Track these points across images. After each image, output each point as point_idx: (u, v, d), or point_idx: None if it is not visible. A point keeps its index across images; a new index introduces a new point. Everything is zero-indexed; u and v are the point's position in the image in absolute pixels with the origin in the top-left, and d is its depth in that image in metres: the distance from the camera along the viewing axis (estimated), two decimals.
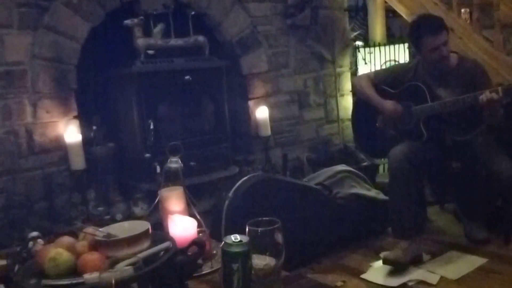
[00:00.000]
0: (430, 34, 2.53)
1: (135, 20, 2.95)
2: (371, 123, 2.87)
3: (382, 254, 2.50)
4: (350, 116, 3.48)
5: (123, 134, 3.17)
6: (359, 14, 4.80)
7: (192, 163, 2.99)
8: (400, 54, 4.22)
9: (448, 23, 2.64)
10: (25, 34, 2.72)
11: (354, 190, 2.91)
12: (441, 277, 2.31)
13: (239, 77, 3.60)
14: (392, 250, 2.46)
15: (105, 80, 3.22)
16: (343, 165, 3.13)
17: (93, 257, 1.21)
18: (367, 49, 4.22)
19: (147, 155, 2.93)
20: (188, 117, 3.28)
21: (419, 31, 2.59)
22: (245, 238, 1.07)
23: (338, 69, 4.06)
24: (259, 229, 1.09)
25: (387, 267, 2.40)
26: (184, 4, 3.26)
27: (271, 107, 3.61)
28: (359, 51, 4.24)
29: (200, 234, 1.61)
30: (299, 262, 2.51)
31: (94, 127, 3.02)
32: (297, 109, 3.88)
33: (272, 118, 3.58)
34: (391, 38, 4.60)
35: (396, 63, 4.11)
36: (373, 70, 3.83)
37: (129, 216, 2.80)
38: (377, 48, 4.19)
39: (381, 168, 3.90)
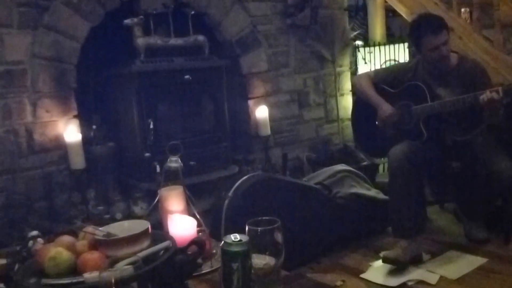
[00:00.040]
0: (431, 34, 2.52)
1: (135, 20, 2.95)
2: (371, 123, 2.87)
3: (382, 254, 2.50)
4: (350, 116, 3.48)
5: (123, 134, 3.17)
6: (359, 13, 4.81)
7: (192, 163, 2.99)
8: (400, 53, 4.22)
9: (448, 23, 2.64)
10: (25, 33, 2.72)
11: (354, 190, 2.91)
12: (441, 277, 2.31)
13: (239, 76, 3.60)
14: (392, 250, 2.46)
15: (105, 79, 3.22)
16: (343, 164, 3.13)
17: (93, 256, 1.21)
18: (367, 49, 4.22)
19: (147, 154, 2.93)
20: (188, 117, 3.28)
21: (419, 31, 2.59)
22: (244, 238, 1.07)
23: (338, 69, 4.06)
24: (259, 229, 1.09)
25: (387, 267, 2.40)
26: (184, 3, 3.26)
27: (271, 107, 3.61)
28: (359, 50, 4.24)
29: (200, 234, 1.61)
30: (298, 262, 2.51)
31: (94, 127, 3.02)
32: (297, 108, 3.88)
33: (272, 118, 3.58)
34: (391, 38, 4.61)
35: (396, 62, 4.11)
36: (373, 69, 3.83)
37: (129, 215, 2.81)
38: (377, 48, 4.19)
39: (381, 167, 3.90)
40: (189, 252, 1.31)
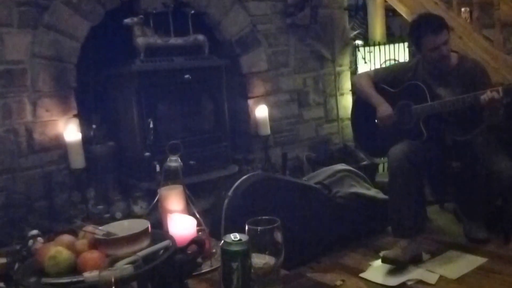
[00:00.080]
0: (431, 34, 2.52)
1: (135, 19, 2.95)
2: (371, 122, 2.87)
3: (381, 253, 2.49)
4: (349, 115, 3.48)
5: (123, 133, 3.17)
6: (359, 13, 4.80)
7: (191, 162, 2.99)
8: (400, 53, 4.22)
9: (448, 22, 2.64)
10: (25, 33, 2.72)
11: (353, 189, 2.91)
12: (441, 277, 2.31)
13: (238, 76, 3.60)
14: (392, 249, 2.46)
15: (105, 79, 3.22)
16: (343, 164, 3.13)
17: (93, 256, 1.21)
18: (367, 48, 4.21)
19: (147, 154, 2.93)
20: (187, 116, 3.28)
21: (419, 31, 2.58)
22: (244, 237, 1.07)
23: (337, 68, 4.06)
24: (259, 228, 1.09)
25: (387, 266, 2.40)
26: (184, 3, 3.26)
27: (270, 106, 3.61)
28: (359, 50, 4.24)
29: (200, 233, 1.61)
30: (298, 261, 2.51)
31: (94, 126, 3.02)
32: (296, 108, 3.88)
33: (271, 117, 3.58)
34: (391, 37, 4.60)
35: (396, 62, 4.11)
36: (372, 69, 3.83)
37: (129, 214, 2.81)
38: (377, 47, 4.19)
39: (380, 167, 3.90)
40: (189, 252, 1.31)
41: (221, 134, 3.33)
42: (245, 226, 1.11)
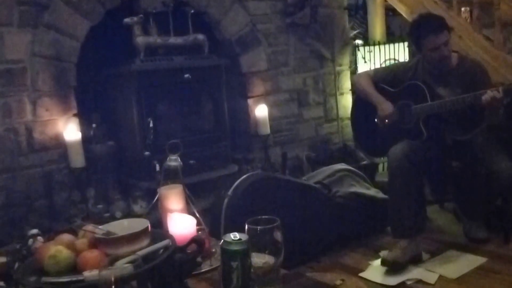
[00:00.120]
0: (431, 34, 2.52)
1: (135, 19, 2.95)
2: (371, 122, 2.87)
3: (381, 254, 2.49)
4: (349, 115, 3.48)
5: (123, 132, 3.17)
6: (359, 12, 4.80)
7: (191, 162, 2.99)
8: (400, 53, 4.22)
9: (448, 22, 2.63)
10: (25, 32, 2.72)
11: (353, 189, 2.91)
12: (440, 276, 2.31)
13: (238, 75, 3.60)
14: (391, 249, 2.46)
15: (105, 78, 3.22)
16: (343, 164, 3.13)
17: (92, 255, 1.21)
18: (366, 48, 4.21)
19: (147, 153, 2.93)
20: (187, 116, 3.28)
21: (419, 31, 2.58)
22: (244, 236, 1.07)
23: (337, 68, 4.06)
24: (258, 228, 1.09)
25: None
26: (184, 2, 3.25)
27: (270, 106, 3.61)
28: (358, 49, 4.24)
29: (200, 232, 1.61)
30: (298, 261, 2.51)
31: (94, 125, 3.02)
32: (296, 107, 3.88)
33: (271, 117, 3.58)
34: (391, 37, 4.60)
35: (396, 62, 4.11)
36: (372, 68, 3.83)
37: (129, 214, 2.81)
38: (376, 47, 4.18)
39: (380, 167, 3.90)
40: (189, 251, 1.31)
41: (220, 133, 3.33)
42: (244, 226, 1.11)
